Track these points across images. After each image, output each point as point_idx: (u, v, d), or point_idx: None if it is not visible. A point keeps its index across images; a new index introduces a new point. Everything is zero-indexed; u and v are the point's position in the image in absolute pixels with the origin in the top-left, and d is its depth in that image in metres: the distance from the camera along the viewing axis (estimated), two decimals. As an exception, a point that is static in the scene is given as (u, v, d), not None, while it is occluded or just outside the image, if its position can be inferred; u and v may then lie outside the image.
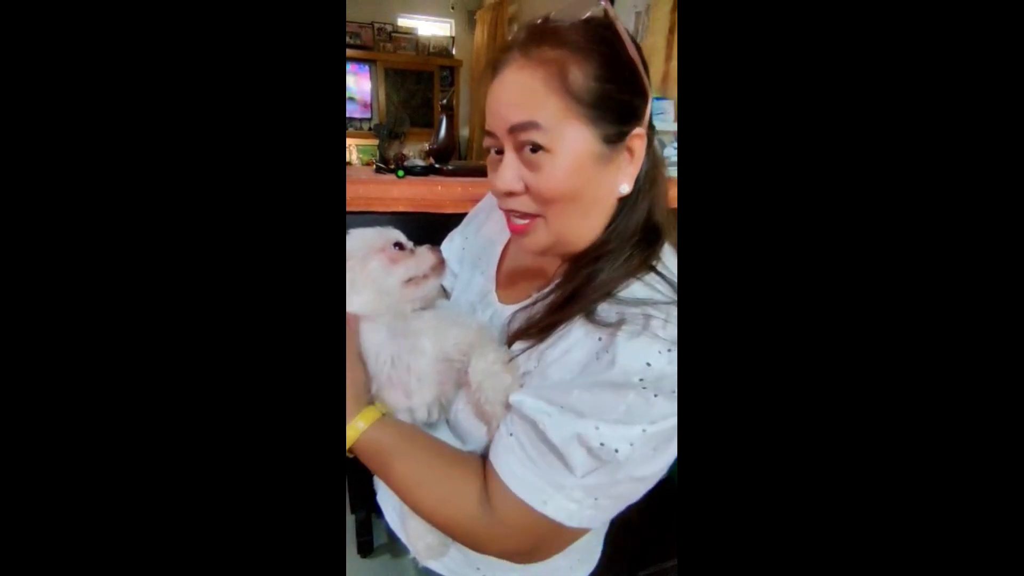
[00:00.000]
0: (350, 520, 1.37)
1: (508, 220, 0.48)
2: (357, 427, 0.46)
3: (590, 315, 0.44)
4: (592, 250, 0.48)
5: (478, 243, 0.66)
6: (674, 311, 0.42)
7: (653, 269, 0.46)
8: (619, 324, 0.42)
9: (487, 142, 0.47)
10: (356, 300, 0.51)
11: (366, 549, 1.40)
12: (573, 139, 0.42)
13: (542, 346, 0.47)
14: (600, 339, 0.43)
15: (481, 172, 1.35)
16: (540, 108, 0.42)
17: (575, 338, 0.45)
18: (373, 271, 0.52)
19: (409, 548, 0.58)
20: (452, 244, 0.71)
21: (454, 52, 4.18)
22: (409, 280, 0.53)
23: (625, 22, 2.31)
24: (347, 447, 0.46)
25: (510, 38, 0.46)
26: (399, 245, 0.54)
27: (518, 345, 0.49)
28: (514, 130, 0.43)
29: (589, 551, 0.62)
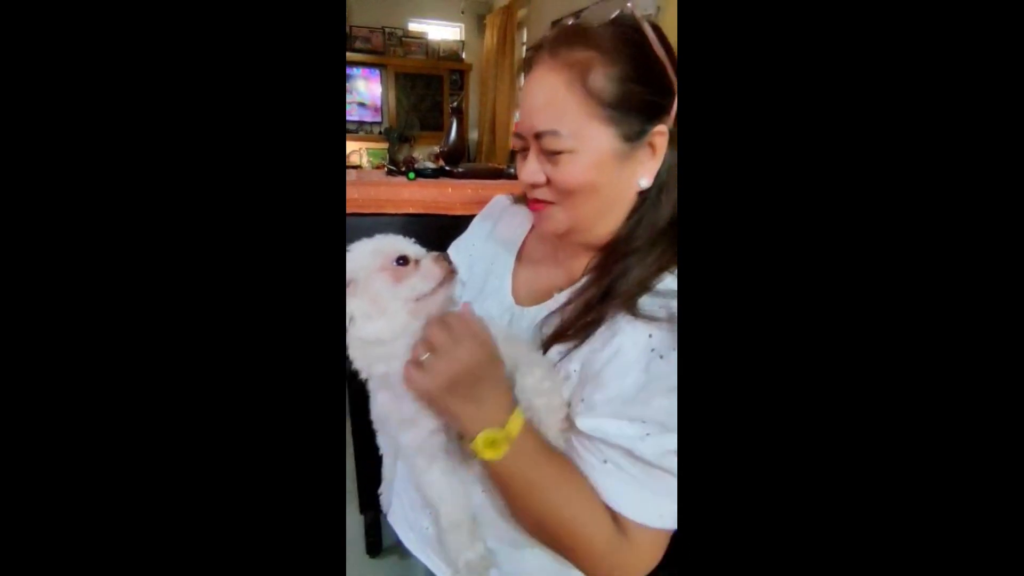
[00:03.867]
0: (360, 520, 1.38)
1: (529, 204, 0.52)
2: (510, 433, 0.43)
3: (632, 309, 0.44)
4: (620, 245, 0.49)
5: (489, 249, 0.65)
6: None
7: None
8: (671, 319, 0.42)
9: (515, 143, 0.50)
10: (370, 327, 0.48)
11: (375, 549, 1.40)
12: (593, 139, 0.45)
13: (584, 348, 0.46)
14: (651, 335, 0.43)
15: (490, 174, 1.36)
16: (562, 113, 0.44)
17: (625, 336, 0.44)
18: (377, 295, 0.48)
19: (443, 565, 0.57)
20: (458, 252, 0.68)
21: (464, 56, 4.20)
22: (417, 299, 0.49)
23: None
24: (496, 455, 0.43)
25: (541, 37, 0.48)
26: (403, 259, 0.50)
27: (555, 349, 0.48)
28: (538, 136, 0.46)
29: None
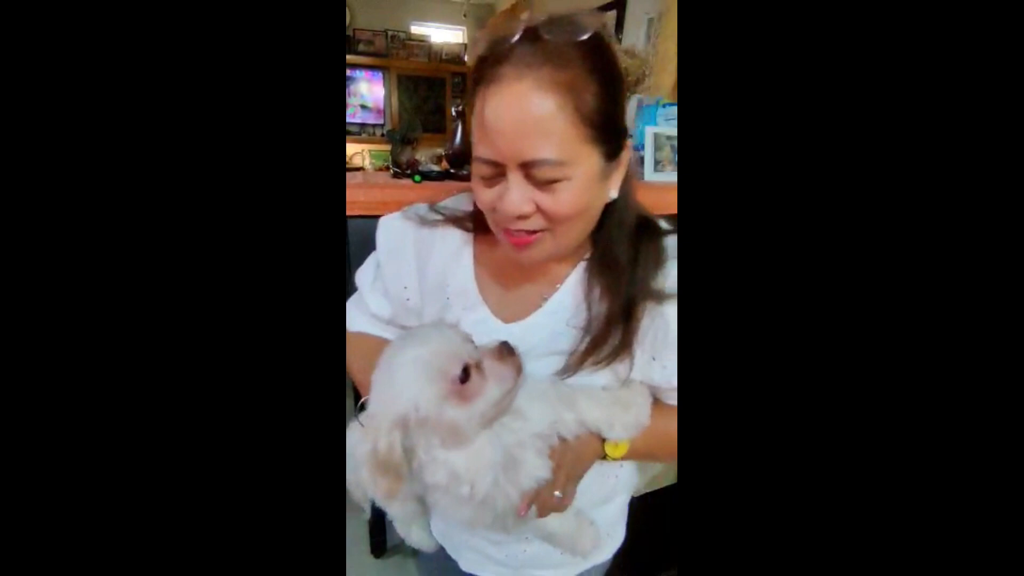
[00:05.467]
0: (364, 521, 1.38)
1: (509, 236, 0.48)
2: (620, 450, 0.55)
3: (659, 298, 0.50)
4: (611, 259, 0.52)
5: (431, 283, 0.59)
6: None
7: (664, 236, 0.53)
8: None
9: (485, 171, 0.45)
10: (445, 460, 0.44)
11: (379, 549, 1.41)
12: (585, 163, 0.44)
13: (646, 345, 0.51)
14: None
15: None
16: (557, 140, 0.42)
17: (666, 316, 0.50)
18: (452, 427, 0.43)
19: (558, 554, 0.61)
20: (390, 300, 0.62)
21: (466, 59, 4.21)
22: (496, 404, 0.45)
23: (637, 28, 2.31)
24: (622, 453, 0.55)
25: (504, 48, 0.43)
26: (465, 372, 0.43)
27: (608, 372, 0.53)
28: (528, 165, 0.42)
29: (617, 530, 0.69)
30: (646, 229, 0.53)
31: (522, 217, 0.45)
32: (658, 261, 0.51)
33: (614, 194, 0.49)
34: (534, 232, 0.47)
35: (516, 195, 0.44)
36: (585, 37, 0.42)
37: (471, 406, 0.43)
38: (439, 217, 0.59)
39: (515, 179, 0.44)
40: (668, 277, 0.50)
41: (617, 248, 0.51)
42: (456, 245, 0.58)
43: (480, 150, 0.45)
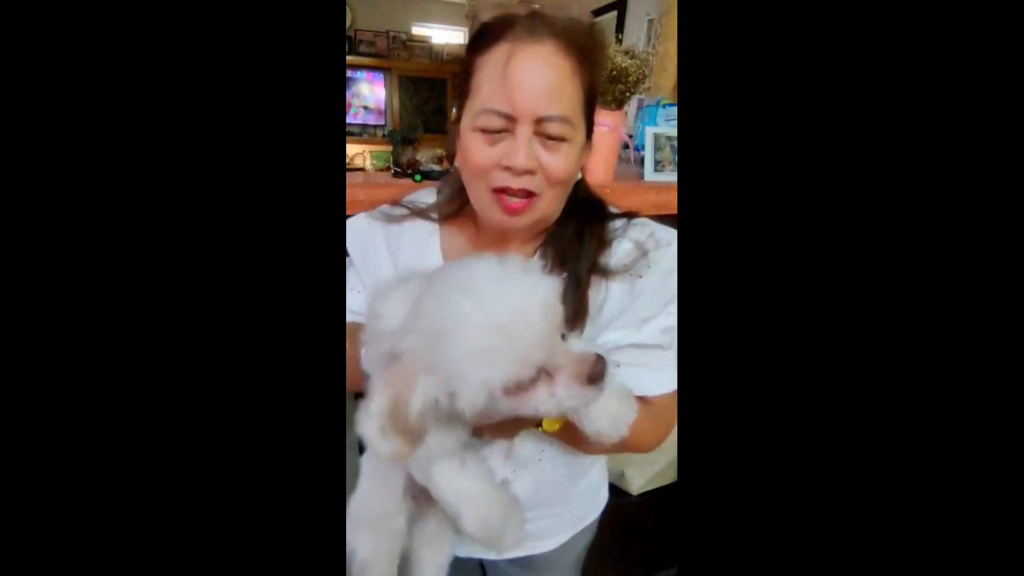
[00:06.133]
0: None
1: (502, 201, 0.49)
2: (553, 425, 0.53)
3: (606, 274, 0.53)
4: (564, 235, 0.55)
5: (410, 275, 0.57)
6: (645, 228, 0.54)
7: (610, 219, 0.56)
8: (636, 248, 0.52)
9: (495, 123, 0.46)
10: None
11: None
12: (580, 132, 0.49)
13: (593, 315, 0.53)
14: (629, 274, 0.52)
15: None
16: (568, 100, 0.47)
17: (614, 295, 0.53)
18: (491, 413, 0.41)
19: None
20: (384, 302, 0.61)
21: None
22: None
23: (638, 28, 2.31)
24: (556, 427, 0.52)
25: (515, 17, 0.46)
26: (545, 371, 0.39)
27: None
28: (543, 120, 0.46)
29: (599, 493, 0.72)
30: (595, 210, 0.57)
31: (528, 172, 0.47)
32: (602, 240, 0.54)
33: (579, 175, 0.54)
34: (530, 196, 0.49)
35: (526, 149, 0.46)
36: (590, 23, 0.48)
37: (518, 402, 0.39)
38: (404, 211, 0.61)
39: (525, 134, 0.46)
40: (613, 255, 0.54)
41: (568, 226, 0.55)
42: (424, 235, 0.60)
43: (493, 102, 0.46)
